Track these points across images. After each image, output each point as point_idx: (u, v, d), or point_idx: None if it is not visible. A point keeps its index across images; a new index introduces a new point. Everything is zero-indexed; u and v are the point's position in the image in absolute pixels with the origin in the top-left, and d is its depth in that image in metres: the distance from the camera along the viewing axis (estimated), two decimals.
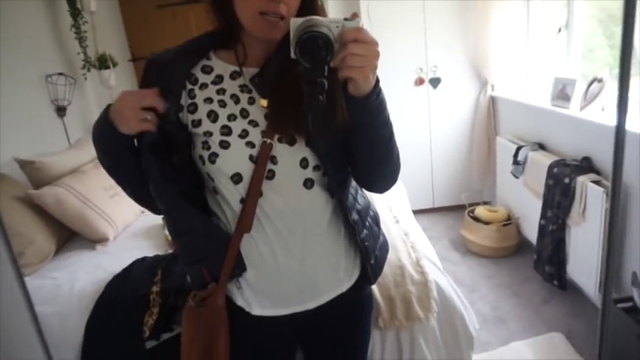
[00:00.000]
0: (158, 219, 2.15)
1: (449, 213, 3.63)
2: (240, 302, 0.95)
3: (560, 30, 2.84)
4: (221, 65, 0.93)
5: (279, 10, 0.82)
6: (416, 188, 3.47)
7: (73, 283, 1.69)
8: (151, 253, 1.83)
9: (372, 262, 1.02)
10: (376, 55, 0.74)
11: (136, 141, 0.91)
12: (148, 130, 0.85)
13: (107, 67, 3.04)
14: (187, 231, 0.94)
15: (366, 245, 1.00)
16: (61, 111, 2.74)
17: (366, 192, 1.07)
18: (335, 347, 1.09)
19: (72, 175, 2.18)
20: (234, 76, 0.92)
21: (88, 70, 2.98)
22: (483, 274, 2.77)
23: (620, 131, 0.59)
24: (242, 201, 0.89)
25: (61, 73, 2.74)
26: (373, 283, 1.07)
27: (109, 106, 0.88)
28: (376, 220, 1.09)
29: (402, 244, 1.67)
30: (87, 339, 1.49)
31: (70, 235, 2.11)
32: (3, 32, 2.33)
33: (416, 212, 2.95)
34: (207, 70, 0.92)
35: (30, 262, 1.83)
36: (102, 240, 2.04)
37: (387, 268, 1.48)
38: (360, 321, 1.11)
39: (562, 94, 2.57)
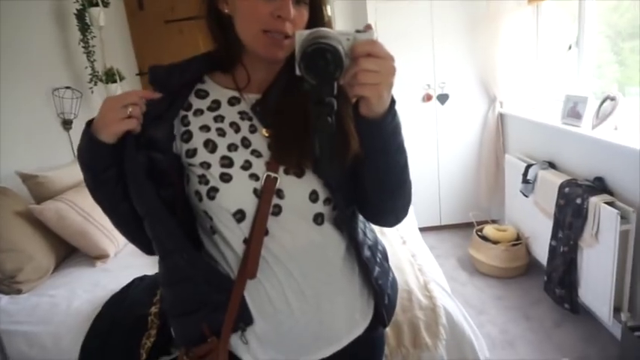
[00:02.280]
0: None
1: (456, 231, 3.56)
2: (245, 358, 0.83)
3: (570, 47, 2.80)
4: (217, 90, 0.85)
5: (285, 28, 0.76)
6: (423, 205, 3.42)
7: (70, 302, 1.65)
8: (150, 272, 1.79)
9: (386, 302, 0.93)
10: (392, 71, 0.66)
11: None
12: (131, 130, 0.76)
13: (114, 82, 3.04)
14: (184, 277, 0.82)
15: (380, 284, 0.91)
16: (67, 124, 2.74)
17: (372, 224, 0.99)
18: None
19: (74, 189, 2.16)
20: (232, 102, 0.84)
21: (95, 84, 2.99)
22: (492, 295, 2.70)
23: None
24: (245, 241, 0.79)
25: (68, 87, 2.75)
26: (387, 326, 0.97)
27: (90, 121, 0.79)
28: (385, 255, 1.00)
29: (409, 266, 1.62)
30: None
31: (69, 251, 2.08)
32: (12, 46, 2.34)
33: (423, 230, 2.89)
34: (201, 94, 0.84)
35: (29, 278, 1.80)
36: (102, 256, 2.01)
37: None
38: None
39: (573, 112, 2.52)
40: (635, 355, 1.80)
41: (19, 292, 1.77)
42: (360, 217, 0.91)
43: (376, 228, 1.03)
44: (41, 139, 2.53)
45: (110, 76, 3.03)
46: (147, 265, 1.88)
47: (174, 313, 0.87)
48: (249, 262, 0.78)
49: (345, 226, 0.85)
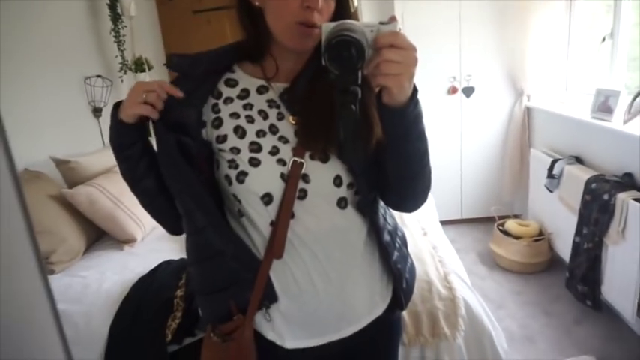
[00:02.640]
0: None
1: (477, 225, 3.54)
2: (270, 336, 0.87)
3: (604, 39, 2.73)
4: (246, 79, 0.88)
5: (313, 19, 0.78)
6: (444, 199, 3.40)
7: (100, 283, 1.72)
8: (176, 256, 1.85)
9: (404, 285, 0.96)
10: (414, 61, 0.69)
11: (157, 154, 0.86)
12: (147, 115, 0.81)
13: (143, 71, 3.11)
14: (215, 254, 0.86)
15: (399, 268, 0.95)
16: (97, 112, 2.82)
17: (393, 211, 1.02)
18: None
19: (104, 175, 2.23)
20: (261, 90, 0.87)
21: (125, 72, 3.06)
22: (511, 290, 2.68)
23: None
24: (272, 224, 0.83)
25: (99, 76, 2.83)
26: (405, 309, 1.01)
27: (116, 104, 0.85)
28: (405, 241, 1.03)
29: (429, 257, 1.63)
30: (111, 339, 1.52)
31: (99, 235, 2.16)
32: (47, 35, 2.42)
33: (443, 223, 2.88)
34: (231, 83, 0.88)
35: (61, 259, 1.88)
36: (130, 240, 2.08)
37: None
38: (390, 346, 1.05)
39: (604, 107, 2.46)
40: None
41: (52, 272, 1.85)
42: (381, 203, 0.94)
43: (398, 220, 1.05)
44: (72, 126, 2.62)
45: (139, 65, 3.10)
46: (173, 250, 1.95)
47: (202, 290, 0.91)
48: (276, 243, 0.81)
49: (367, 211, 0.89)
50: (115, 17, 2.94)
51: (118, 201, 2.09)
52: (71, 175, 2.20)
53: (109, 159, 2.40)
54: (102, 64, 2.99)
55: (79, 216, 2.04)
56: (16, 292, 0.55)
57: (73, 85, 2.68)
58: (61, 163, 2.20)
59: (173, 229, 0.96)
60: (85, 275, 1.80)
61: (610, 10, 2.58)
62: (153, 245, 2.06)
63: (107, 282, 1.73)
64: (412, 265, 1.04)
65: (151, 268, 1.76)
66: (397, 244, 0.97)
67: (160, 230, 2.22)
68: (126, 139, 0.85)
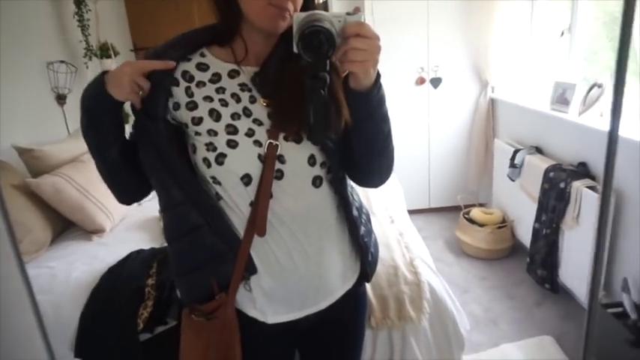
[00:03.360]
0: (155, 212, 2.16)
1: (444, 214, 3.65)
2: (252, 313, 0.91)
3: (562, 33, 2.84)
4: (217, 63, 0.90)
5: (286, 5, 0.82)
6: (412, 188, 3.48)
7: (69, 273, 1.70)
8: (146, 246, 1.84)
9: (370, 259, 1.03)
10: (378, 49, 0.74)
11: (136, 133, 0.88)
12: (134, 102, 0.85)
13: (109, 57, 3.04)
14: (194, 229, 0.88)
15: (365, 242, 1.01)
16: (61, 99, 2.74)
17: (358, 191, 1.08)
18: (332, 346, 1.09)
19: (71, 164, 2.18)
20: (232, 74, 0.89)
21: (90, 58, 2.98)
22: (477, 276, 2.79)
23: (612, 136, 0.59)
24: (251, 204, 0.86)
25: (62, 61, 2.74)
26: (370, 280, 1.07)
27: (103, 72, 0.86)
28: (369, 217, 1.09)
29: (396, 244, 1.69)
30: (81, 329, 1.51)
31: (66, 225, 2.11)
32: (5, 19, 2.32)
33: (412, 212, 2.96)
34: (202, 67, 0.89)
35: (27, 250, 1.83)
36: (99, 231, 2.05)
37: (380, 268, 1.50)
38: (358, 315, 1.11)
39: (561, 99, 2.58)
40: (606, 328, 1.90)
41: None
42: (347, 181, 0.99)
43: (366, 206, 1.11)
44: (36, 114, 2.54)
45: (105, 51, 3.02)
46: (143, 240, 1.94)
47: (182, 270, 0.93)
48: (258, 221, 0.85)
49: (338, 188, 0.94)
50: (79, 1, 2.85)
51: (86, 191, 2.06)
52: (35, 164, 2.14)
53: (74, 147, 2.35)
54: (65, 50, 2.90)
55: (45, 206, 2.00)
56: None
57: (35, 71, 2.59)
58: (24, 152, 2.14)
59: (125, 198, 0.98)
60: (53, 266, 1.77)
61: (570, 3, 2.68)
62: (122, 235, 2.04)
63: (76, 272, 1.71)
64: (376, 240, 1.10)
65: (120, 258, 1.75)
66: (363, 220, 1.03)
67: (130, 220, 2.21)
68: (106, 108, 0.86)
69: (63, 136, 2.63)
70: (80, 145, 2.41)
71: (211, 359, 0.90)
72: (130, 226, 2.14)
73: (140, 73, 0.83)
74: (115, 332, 1.48)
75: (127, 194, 0.98)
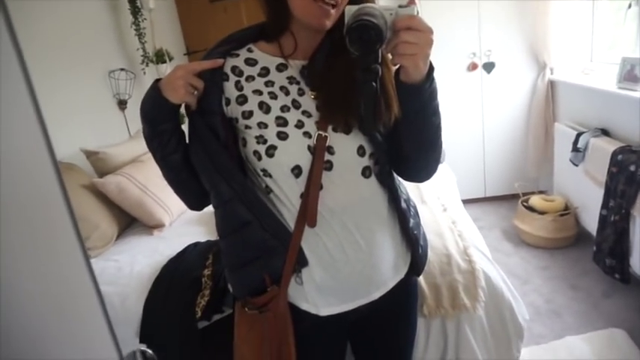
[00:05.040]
0: (211, 207, 2.24)
1: (501, 203, 3.51)
2: (304, 306, 0.91)
3: (630, 5, 2.63)
4: (264, 57, 0.92)
5: (331, 0, 0.82)
6: (467, 177, 3.38)
7: (132, 266, 1.80)
8: (203, 239, 1.91)
9: (420, 252, 1.02)
10: (429, 43, 0.73)
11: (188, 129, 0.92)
12: (190, 103, 0.88)
13: (164, 62, 3.18)
14: (243, 225, 0.89)
15: (415, 234, 1.00)
16: (122, 104, 2.91)
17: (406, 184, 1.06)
18: (386, 335, 1.09)
19: (132, 164, 2.32)
20: (280, 68, 0.91)
21: (147, 65, 3.13)
22: (537, 266, 2.66)
23: None
24: (302, 196, 0.86)
25: (122, 69, 2.91)
26: (420, 274, 1.06)
27: (157, 80, 0.90)
28: (417, 211, 1.08)
29: (449, 232, 1.64)
30: (145, 317, 1.60)
31: (129, 221, 2.25)
32: (70, 32, 2.50)
33: (467, 202, 2.88)
34: (251, 62, 0.91)
35: (95, 245, 1.97)
36: (158, 226, 2.16)
37: (433, 256, 1.47)
38: (410, 306, 1.10)
39: (630, 76, 2.39)
40: None
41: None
42: (395, 174, 0.99)
43: (417, 197, 1.10)
44: (99, 119, 2.71)
45: (160, 57, 3.17)
46: (200, 233, 2.02)
47: (234, 264, 0.95)
48: (309, 212, 0.85)
49: (386, 179, 0.94)
50: (135, 11, 3.00)
51: (145, 188, 2.17)
52: (100, 165, 2.29)
53: (135, 148, 2.49)
54: (124, 58, 3.07)
55: (110, 204, 2.13)
56: (61, 277, 0.60)
57: (98, 80, 2.77)
58: (90, 155, 2.29)
59: (194, 204, 1.01)
60: (118, 259, 1.89)
61: None
62: (180, 230, 2.14)
63: (139, 265, 1.81)
64: (424, 233, 1.08)
65: (179, 251, 1.83)
66: (412, 212, 1.02)
67: (187, 215, 2.31)
68: (165, 115, 0.89)
69: (125, 138, 2.79)
70: (140, 146, 2.55)
71: (265, 352, 0.91)
72: (188, 221, 2.23)
73: (192, 73, 0.86)
74: (175, 320, 1.56)
75: (196, 199, 1.00)
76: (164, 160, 0.94)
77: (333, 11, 0.83)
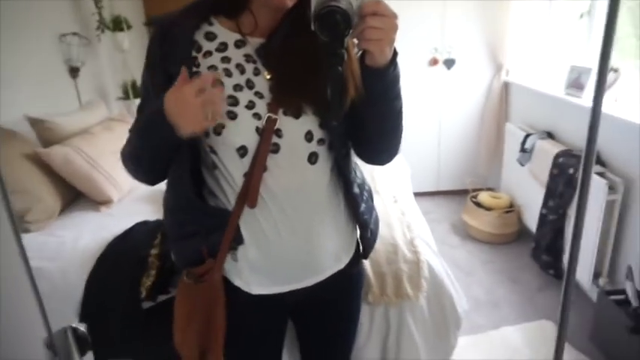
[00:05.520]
0: (162, 184, 2.18)
1: (453, 197, 3.63)
2: (237, 282, 0.94)
3: (582, 16, 2.76)
4: (224, 32, 0.90)
5: None
6: (421, 170, 3.47)
7: (76, 241, 1.74)
8: (152, 218, 1.87)
9: (369, 235, 1.04)
10: (394, 28, 0.74)
11: None
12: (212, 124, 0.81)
13: (121, 30, 3.03)
14: (188, 199, 0.91)
15: (365, 218, 1.01)
16: (73, 72, 2.76)
17: (361, 168, 1.08)
18: (328, 321, 1.11)
19: (81, 136, 2.21)
20: (238, 44, 0.89)
21: (102, 31, 2.98)
22: (481, 260, 2.79)
23: (595, 112, 0.62)
24: (245, 175, 0.87)
25: (75, 33, 2.75)
26: (367, 257, 1.09)
27: (159, 107, 0.80)
28: (371, 195, 1.10)
29: (397, 222, 1.69)
30: (86, 295, 1.55)
31: (75, 195, 2.15)
32: None
33: (420, 194, 2.96)
34: (210, 36, 0.89)
35: (37, 218, 1.88)
36: (106, 202, 2.09)
37: (380, 245, 1.51)
38: (353, 295, 1.12)
39: (576, 83, 2.52)
40: (608, 316, 1.90)
41: (27, 231, 1.86)
42: (352, 158, 1.00)
43: (370, 184, 1.11)
44: (48, 86, 2.56)
45: (117, 24, 3.02)
46: (149, 212, 1.97)
47: (175, 236, 0.97)
48: (250, 193, 0.86)
49: (338, 165, 0.95)
50: None
51: (95, 162, 2.09)
52: (47, 134, 2.17)
53: (85, 119, 2.38)
54: (78, 22, 2.90)
55: (55, 176, 2.03)
56: None
57: (48, 43, 2.61)
58: (36, 123, 2.17)
59: (151, 181, 0.99)
60: (62, 234, 1.81)
61: None
62: (129, 207, 2.07)
63: (83, 240, 1.75)
64: (377, 217, 1.11)
65: (126, 228, 1.78)
66: (364, 197, 1.03)
67: (137, 192, 2.24)
68: (172, 145, 0.85)
69: (74, 108, 2.66)
70: (91, 117, 2.44)
71: (195, 320, 0.94)
72: (138, 198, 2.17)
73: (203, 104, 0.76)
74: (118, 299, 1.53)
75: (155, 178, 0.98)
76: (150, 167, 0.94)
77: None
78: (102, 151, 2.16)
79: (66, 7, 2.82)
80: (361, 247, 1.06)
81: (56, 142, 2.11)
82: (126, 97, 3.19)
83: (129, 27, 3.09)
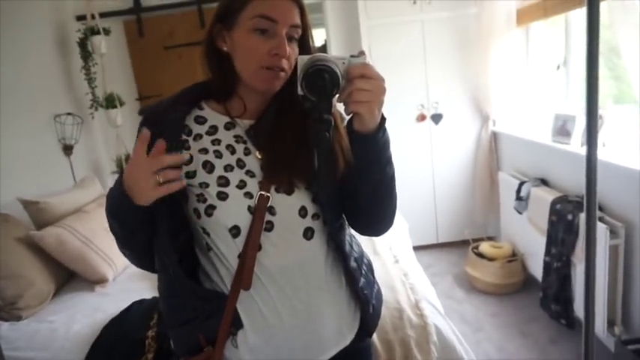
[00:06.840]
0: None
1: (453, 249, 3.59)
2: None
3: (558, 67, 2.88)
4: (214, 116, 0.92)
5: (281, 64, 0.84)
6: (419, 224, 3.44)
7: (69, 327, 1.68)
8: (149, 295, 1.82)
9: (371, 311, 0.99)
10: (382, 90, 0.76)
11: None
12: (167, 194, 0.78)
13: (114, 107, 3.10)
14: (183, 287, 0.88)
15: (365, 294, 0.97)
16: (67, 149, 2.80)
17: (358, 239, 1.06)
18: None
19: (74, 215, 2.20)
20: (228, 126, 0.91)
21: (96, 109, 3.06)
22: (488, 312, 2.71)
23: (591, 159, 0.63)
24: (239, 256, 0.85)
25: (69, 113, 2.81)
26: (371, 335, 1.03)
27: (121, 175, 0.82)
28: (370, 267, 1.06)
29: (401, 285, 1.65)
30: None
31: (69, 276, 2.11)
32: (14, 73, 2.41)
33: (419, 248, 2.92)
34: (200, 120, 0.91)
35: (29, 304, 1.82)
36: (101, 281, 2.04)
37: (385, 311, 1.46)
38: None
39: (562, 130, 2.58)
40: None
41: (19, 318, 1.79)
42: (347, 231, 0.97)
43: (370, 248, 1.08)
44: (42, 165, 2.59)
45: (110, 101, 3.10)
46: (145, 289, 1.91)
47: (171, 323, 0.93)
48: (245, 275, 0.83)
49: (333, 239, 0.92)
50: (86, 55, 2.96)
51: (89, 240, 2.06)
52: (40, 216, 2.16)
53: (79, 197, 2.38)
54: (72, 102, 2.98)
55: (48, 258, 2.00)
56: None
57: (42, 123, 2.66)
58: (28, 205, 2.16)
59: (146, 266, 0.97)
60: (54, 320, 1.75)
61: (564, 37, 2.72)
62: (125, 285, 2.03)
63: (77, 325, 1.68)
64: (379, 290, 1.07)
65: (122, 308, 1.73)
66: (363, 271, 1.00)
67: (132, 269, 2.19)
68: (136, 218, 0.84)
69: (69, 185, 2.66)
70: (85, 195, 2.44)
71: None
72: (133, 275, 2.12)
73: (152, 171, 0.77)
74: None
75: (149, 265, 0.95)
76: (128, 241, 0.91)
77: (282, 74, 0.85)
78: (96, 230, 2.13)
79: (60, 88, 2.91)
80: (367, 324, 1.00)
81: (50, 223, 2.10)
82: (120, 170, 3.21)
83: (122, 103, 3.17)
